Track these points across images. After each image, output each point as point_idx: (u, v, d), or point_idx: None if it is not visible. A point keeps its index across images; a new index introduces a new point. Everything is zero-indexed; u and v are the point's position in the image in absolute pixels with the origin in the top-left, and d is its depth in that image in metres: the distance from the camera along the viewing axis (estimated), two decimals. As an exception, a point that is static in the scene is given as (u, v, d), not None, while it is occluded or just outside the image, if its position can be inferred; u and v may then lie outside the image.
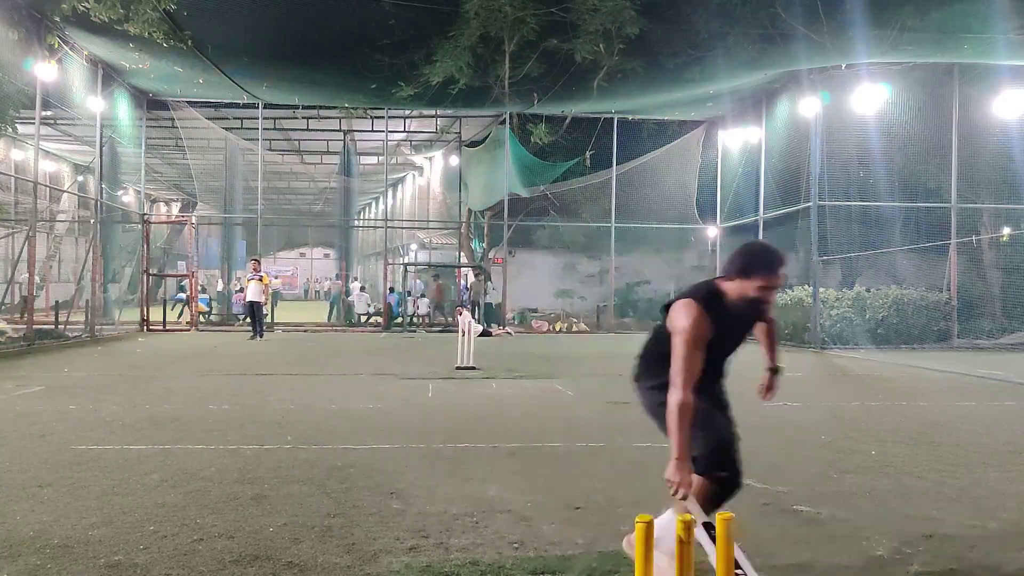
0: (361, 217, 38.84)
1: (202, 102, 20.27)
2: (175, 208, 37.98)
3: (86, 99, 16.55)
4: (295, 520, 4.05)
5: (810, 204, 16.48)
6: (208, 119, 21.14)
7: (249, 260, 17.88)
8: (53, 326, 16.91)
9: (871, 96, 16.31)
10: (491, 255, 24.42)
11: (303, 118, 22.71)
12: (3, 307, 19.36)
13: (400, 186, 34.73)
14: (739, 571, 2.78)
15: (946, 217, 17.30)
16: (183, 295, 24.17)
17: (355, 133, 24.04)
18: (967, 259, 18.37)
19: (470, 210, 24.80)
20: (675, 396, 3.09)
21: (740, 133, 20.35)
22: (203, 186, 25.43)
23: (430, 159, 28.14)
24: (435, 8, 13.37)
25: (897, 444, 6.25)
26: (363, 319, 22.78)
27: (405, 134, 25.28)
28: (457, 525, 4.01)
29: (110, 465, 5.17)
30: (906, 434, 6.70)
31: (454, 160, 24.54)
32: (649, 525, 2.26)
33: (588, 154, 22.06)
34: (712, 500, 3.23)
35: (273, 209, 37.52)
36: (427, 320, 22.32)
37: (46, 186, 23.56)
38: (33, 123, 14.78)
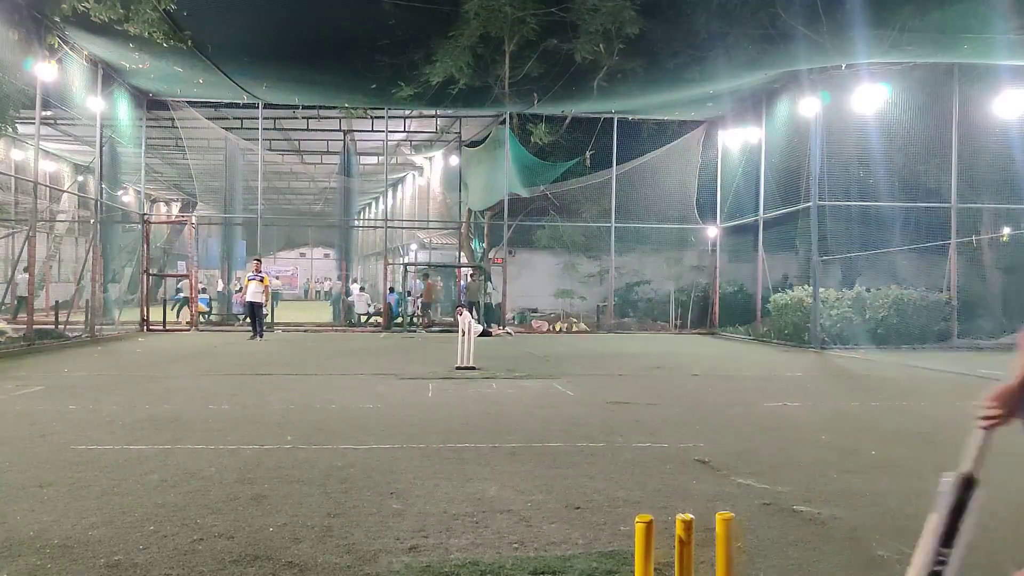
0: (361, 217, 38.86)
1: (202, 102, 20.27)
2: (175, 208, 37.98)
3: (86, 99, 16.55)
4: (295, 520, 4.05)
5: (810, 204, 16.48)
6: (208, 119, 21.15)
7: (251, 260, 17.87)
8: (53, 326, 16.92)
9: (871, 96, 16.31)
10: (491, 255, 24.42)
11: (303, 118, 22.71)
12: (3, 307, 19.37)
13: (400, 186, 34.73)
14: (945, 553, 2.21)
15: (946, 217, 17.30)
16: (181, 294, 24.21)
17: (355, 133, 24.04)
18: (967, 259, 18.37)
19: (470, 210, 24.81)
20: None
21: (740, 133, 20.35)
22: (203, 186, 25.43)
23: (430, 159, 28.14)
24: (435, 8, 13.37)
25: (897, 444, 6.25)
26: (363, 319, 22.79)
27: (405, 134, 25.29)
28: (457, 525, 4.01)
29: (110, 465, 5.17)
30: (906, 434, 6.71)
31: (454, 160, 24.54)
32: (649, 525, 2.25)
33: (588, 154, 22.06)
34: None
35: (273, 209, 37.58)
36: (427, 320, 22.33)
37: (46, 186, 23.57)
38: (33, 123, 14.78)
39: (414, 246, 31.12)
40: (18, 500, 4.34)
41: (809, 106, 16.42)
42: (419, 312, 22.39)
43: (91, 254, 17.47)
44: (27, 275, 15.67)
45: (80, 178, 26.06)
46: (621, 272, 24.19)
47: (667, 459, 5.59)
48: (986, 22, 12.75)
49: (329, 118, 22.75)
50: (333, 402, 8.09)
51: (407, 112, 22.35)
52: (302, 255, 52.94)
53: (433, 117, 23.17)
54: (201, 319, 20.95)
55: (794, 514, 4.29)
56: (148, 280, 19.84)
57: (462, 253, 24.53)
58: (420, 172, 30.55)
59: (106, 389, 8.81)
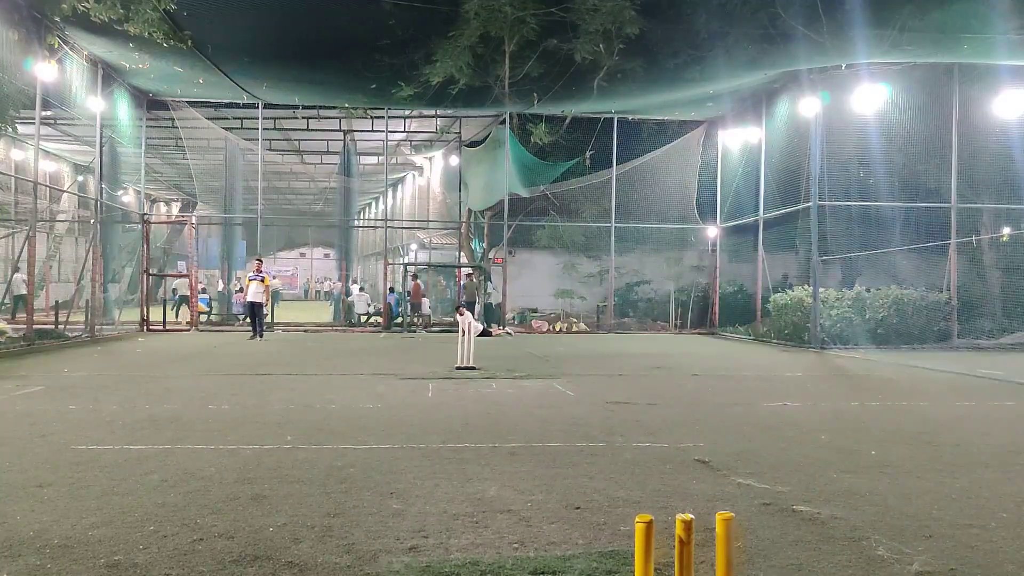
0: (361, 217, 38.86)
1: (202, 102, 20.27)
2: (175, 208, 37.99)
3: (86, 99, 16.56)
4: (295, 520, 4.05)
5: (810, 204, 16.49)
6: (208, 119, 21.15)
7: (253, 260, 17.87)
8: (53, 326, 16.92)
9: (871, 96, 16.31)
10: (491, 255, 24.42)
11: (303, 118, 22.72)
12: (3, 307, 19.37)
13: (400, 186, 34.74)
14: None
15: (946, 217, 17.31)
16: (177, 294, 24.24)
17: (355, 133, 24.04)
18: (967, 259, 18.38)
19: (470, 210, 24.81)
20: None
21: (740, 133, 20.35)
22: (203, 186, 25.43)
23: (430, 159, 28.13)
24: (435, 8, 13.37)
25: (897, 444, 6.25)
26: (363, 319, 22.79)
27: (405, 134, 25.29)
28: (457, 525, 4.01)
29: (110, 465, 5.17)
30: (906, 434, 6.71)
31: (454, 160, 24.54)
32: (649, 525, 2.25)
33: (588, 154, 22.07)
34: None
35: (273, 209, 37.60)
36: (428, 320, 22.34)
37: (46, 186, 23.57)
38: (33, 123, 14.78)
39: (414, 246, 31.13)
40: (18, 500, 4.34)
41: (809, 106, 16.42)
42: (406, 311, 22.39)
43: (91, 254, 17.47)
44: (22, 275, 15.68)
45: (80, 178, 26.06)
46: (621, 272, 24.20)
47: (667, 459, 5.59)
48: (986, 22, 12.75)
49: (329, 118, 22.75)
50: (333, 402, 8.09)
51: (407, 112, 22.36)
52: (302, 255, 52.95)
53: (433, 117, 23.18)
54: (201, 319, 20.95)
55: (794, 514, 4.30)
56: (148, 280, 19.84)
57: (462, 253, 24.53)
58: (420, 172, 30.55)
59: (106, 389, 8.81)
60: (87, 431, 6.36)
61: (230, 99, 19.67)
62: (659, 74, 16.17)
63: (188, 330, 19.57)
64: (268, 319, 19.40)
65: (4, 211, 22.62)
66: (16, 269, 16.28)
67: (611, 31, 13.80)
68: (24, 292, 16.87)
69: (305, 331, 20.40)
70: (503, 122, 21.33)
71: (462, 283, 22.49)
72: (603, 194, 22.39)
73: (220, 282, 24.56)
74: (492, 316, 21.67)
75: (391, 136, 23.61)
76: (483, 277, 22.40)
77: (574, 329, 22.00)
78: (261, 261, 17.72)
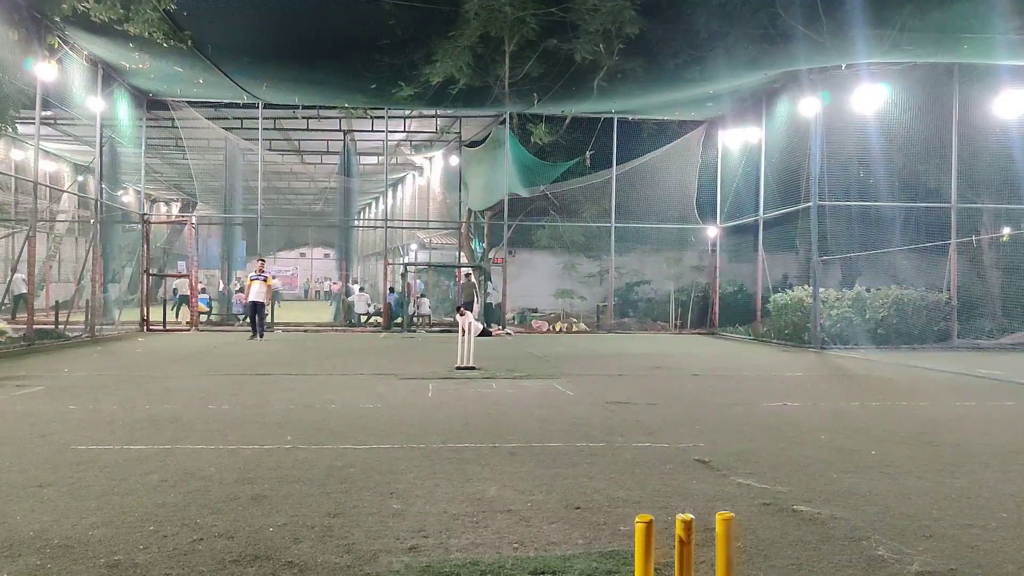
0: (361, 217, 38.85)
1: (202, 102, 20.27)
2: (175, 208, 37.99)
3: (86, 99, 16.56)
4: (295, 520, 4.05)
5: (810, 204, 16.49)
6: (208, 119, 21.15)
7: (256, 260, 17.88)
8: (53, 326, 16.92)
9: (871, 96, 16.31)
10: (491, 255, 24.42)
11: (303, 118, 22.72)
12: (3, 307, 19.37)
13: (400, 186, 34.74)
14: None
15: (946, 217, 17.31)
16: (177, 294, 24.26)
17: (355, 133, 24.04)
18: (967, 259, 18.37)
19: (470, 210, 24.81)
20: None
21: (740, 133, 20.35)
22: (203, 186, 25.44)
23: (430, 159, 28.13)
24: (435, 8, 13.37)
25: (897, 444, 6.25)
26: (363, 319, 22.80)
27: (405, 134, 25.29)
28: (457, 525, 4.01)
29: (110, 465, 5.17)
30: (906, 434, 6.71)
31: (454, 160, 24.54)
32: (649, 525, 2.25)
33: (588, 154, 22.06)
34: None
35: (273, 209, 37.61)
36: (428, 320, 22.34)
37: (46, 186, 23.57)
38: (33, 123, 14.79)
39: (414, 246, 31.13)
40: (18, 500, 4.34)
41: (809, 106, 16.42)
42: (406, 311, 22.38)
43: (91, 254, 17.48)
44: (21, 274, 15.67)
45: (80, 178, 26.06)
46: (621, 272, 24.21)
47: (667, 459, 5.59)
48: (986, 22, 12.75)
49: (329, 118, 22.75)
50: (333, 402, 8.09)
51: (407, 112, 22.36)
52: (302, 255, 52.98)
53: (433, 117, 23.18)
54: (201, 319, 20.95)
55: (794, 514, 4.29)
56: (148, 280, 19.84)
57: (462, 253, 24.53)
58: (420, 172, 30.55)
59: (106, 389, 8.81)
60: (87, 431, 6.36)
61: (230, 99, 19.66)
62: (659, 74, 16.17)
63: (188, 330, 19.57)
64: (268, 319, 19.40)
65: (4, 211, 22.62)
66: (14, 269, 16.28)
67: (611, 31, 13.80)
68: (24, 291, 16.88)
69: (305, 331, 20.40)
70: (503, 122, 21.33)
71: (461, 283, 22.50)
72: (603, 194, 22.38)
73: (220, 282, 24.57)
74: (492, 316, 21.67)
75: (391, 136, 23.61)
76: (483, 277, 22.40)
77: (574, 329, 22.00)
78: (264, 261, 17.74)
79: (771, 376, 11.29)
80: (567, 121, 21.99)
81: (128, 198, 24.50)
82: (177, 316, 22.67)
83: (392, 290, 22.22)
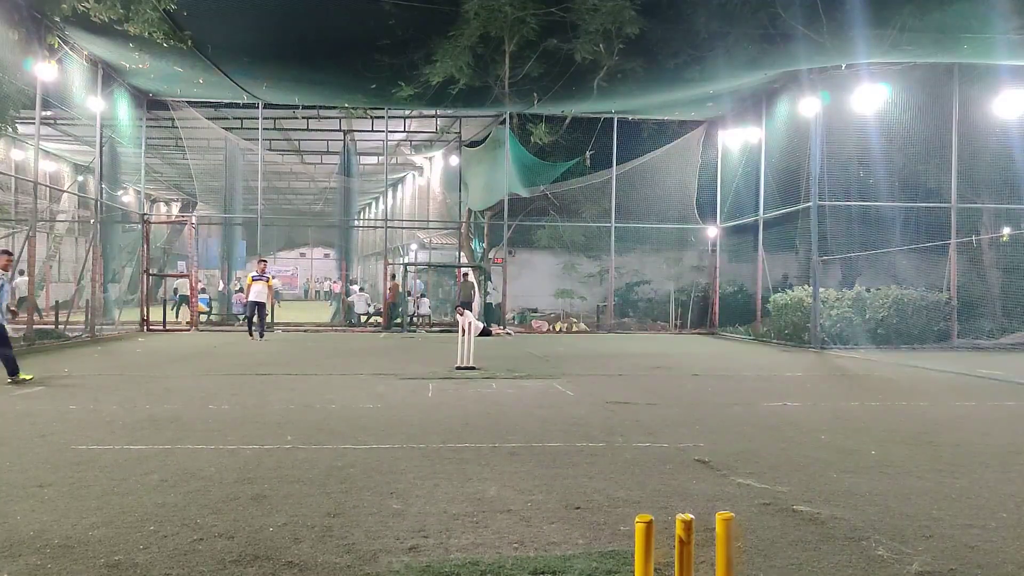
0: (361, 217, 38.86)
1: (202, 102, 20.28)
2: (175, 208, 37.98)
3: (86, 99, 16.56)
4: (295, 520, 4.05)
5: (810, 204, 16.49)
6: (208, 119, 21.15)
7: (258, 261, 17.89)
8: (53, 326, 16.92)
9: (871, 96, 16.31)
10: (491, 255, 24.42)
11: (303, 118, 22.72)
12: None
13: (400, 186, 34.74)
14: None
15: (946, 217, 17.31)
16: (178, 294, 24.25)
17: (355, 133, 24.04)
18: (967, 259, 18.37)
19: (470, 210, 24.81)
20: None
21: (740, 133, 20.35)
22: (203, 186, 25.44)
23: (430, 159, 28.14)
24: (435, 8, 13.37)
25: (897, 444, 6.25)
26: (363, 319, 22.80)
27: (405, 134, 25.29)
28: (457, 525, 4.01)
29: (110, 465, 5.17)
30: (906, 434, 6.71)
31: (454, 160, 24.55)
32: (649, 525, 2.25)
33: (588, 154, 22.06)
34: None
35: (273, 209, 37.60)
36: (428, 320, 22.34)
37: (46, 186, 23.56)
38: (33, 123, 14.79)
39: (414, 246, 31.13)
40: (18, 500, 4.34)
41: (809, 106, 16.42)
42: (379, 312, 22.39)
43: (91, 254, 17.48)
44: (25, 277, 15.68)
45: (80, 178, 26.06)
46: (621, 272, 24.20)
47: (667, 459, 5.59)
48: (986, 22, 12.75)
49: (329, 118, 22.75)
50: (333, 402, 8.09)
51: (407, 112, 22.36)
52: (302, 255, 52.98)
53: (433, 117, 23.18)
54: (201, 319, 20.96)
55: (794, 514, 4.30)
56: (148, 280, 19.84)
57: (462, 253, 24.54)
58: (420, 172, 30.55)
59: (106, 389, 8.81)
60: (87, 431, 6.36)
61: (230, 99, 19.67)
62: (659, 74, 16.17)
63: (188, 330, 19.57)
64: (268, 319, 19.40)
65: (4, 211, 22.61)
66: (20, 272, 16.27)
67: (611, 31, 13.80)
68: (26, 293, 16.87)
69: (305, 331, 20.40)
70: (503, 122, 21.33)
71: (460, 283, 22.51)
72: (603, 194, 22.38)
73: (220, 283, 24.58)
74: (492, 316, 21.67)
75: (391, 136, 23.61)
76: (483, 277, 22.40)
77: (574, 329, 22.00)
78: (266, 262, 17.76)
79: (771, 376, 11.29)
80: (567, 121, 21.99)
81: (128, 198, 24.50)
82: (177, 316, 22.67)
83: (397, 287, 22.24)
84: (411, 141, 26.69)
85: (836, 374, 11.80)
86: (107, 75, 17.18)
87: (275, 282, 23.98)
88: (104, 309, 18.75)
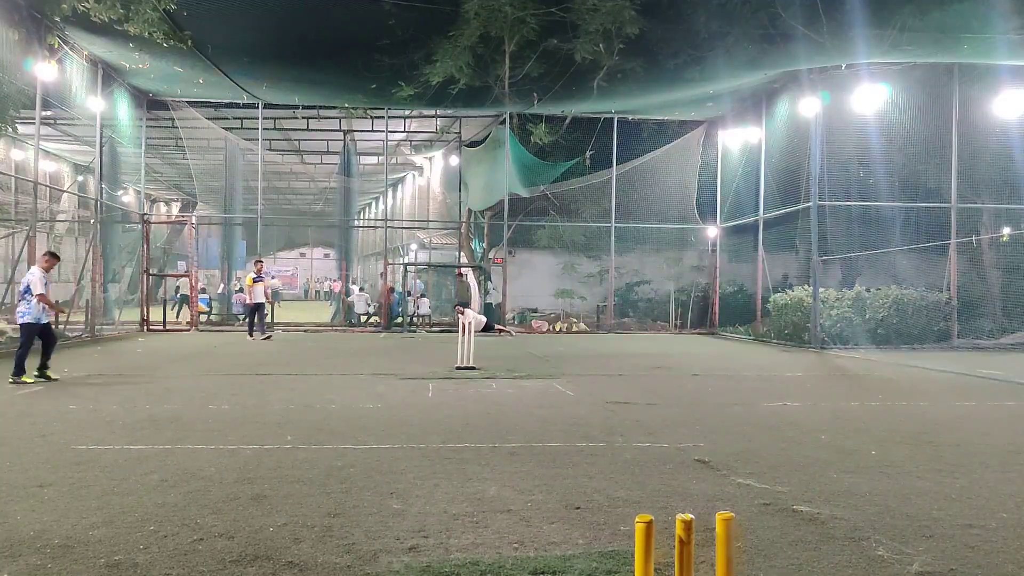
0: (361, 217, 38.85)
1: (202, 102, 20.28)
2: (175, 208, 37.99)
3: (86, 99, 16.56)
4: (295, 520, 4.05)
5: (810, 204, 16.49)
6: (208, 119, 21.15)
7: (255, 262, 17.90)
8: (53, 326, 16.88)
9: (871, 96, 16.31)
10: (491, 255, 24.42)
11: (303, 118, 22.72)
12: (3, 307, 19.35)
13: (400, 186, 34.74)
14: None
15: (946, 217, 17.31)
16: (179, 294, 24.26)
17: (355, 133, 24.04)
18: (967, 259, 18.37)
19: (470, 210, 24.81)
20: None
21: (740, 133, 20.35)
22: (203, 186, 25.44)
23: (430, 159, 28.14)
24: (435, 8, 13.37)
25: (897, 444, 6.25)
26: (363, 319, 22.79)
27: (405, 134, 25.29)
28: (457, 525, 4.01)
29: (110, 465, 5.17)
30: (906, 434, 6.70)
31: (454, 160, 24.55)
32: (649, 525, 2.25)
33: (588, 154, 22.06)
34: None
35: (273, 209, 37.58)
36: (428, 320, 22.33)
37: (46, 186, 23.56)
38: (33, 123, 14.78)
39: (414, 246, 31.13)
40: (18, 500, 4.34)
41: (809, 106, 16.42)
42: (378, 312, 22.36)
43: (91, 254, 17.47)
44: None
45: (80, 178, 26.06)
46: (621, 272, 24.20)
47: (667, 459, 5.59)
48: (986, 22, 12.75)
49: (329, 118, 22.75)
50: (333, 402, 8.09)
51: (407, 112, 22.36)
52: (302, 255, 52.95)
53: (433, 117, 23.18)
54: (201, 319, 20.96)
55: (794, 514, 4.30)
56: (148, 280, 19.83)
57: (462, 253, 24.54)
58: (420, 172, 30.55)
59: (106, 389, 8.82)
60: (87, 431, 6.36)
61: (230, 99, 19.67)
62: (659, 74, 16.17)
63: (188, 330, 19.57)
64: (268, 319, 19.40)
65: (4, 211, 22.61)
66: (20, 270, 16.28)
67: (611, 31, 13.80)
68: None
69: (305, 331, 20.40)
70: (503, 122, 21.32)
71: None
72: (603, 194, 22.38)
73: (220, 283, 24.57)
74: (492, 316, 21.66)
75: (391, 136, 23.61)
76: (483, 276, 22.39)
77: (574, 329, 22.00)
78: (262, 263, 17.78)
79: (771, 376, 11.29)
80: (567, 121, 21.99)
81: (128, 198, 24.50)
82: (178, 316, 22.66)
83: (392, 290, 22.20)
84: (411, 141, 26.69)
85: (836, 374, 11.79)
86: (107, 75, 17.18)
87: (274, 282, 24.03)
88: (104, 309, 18.74)
